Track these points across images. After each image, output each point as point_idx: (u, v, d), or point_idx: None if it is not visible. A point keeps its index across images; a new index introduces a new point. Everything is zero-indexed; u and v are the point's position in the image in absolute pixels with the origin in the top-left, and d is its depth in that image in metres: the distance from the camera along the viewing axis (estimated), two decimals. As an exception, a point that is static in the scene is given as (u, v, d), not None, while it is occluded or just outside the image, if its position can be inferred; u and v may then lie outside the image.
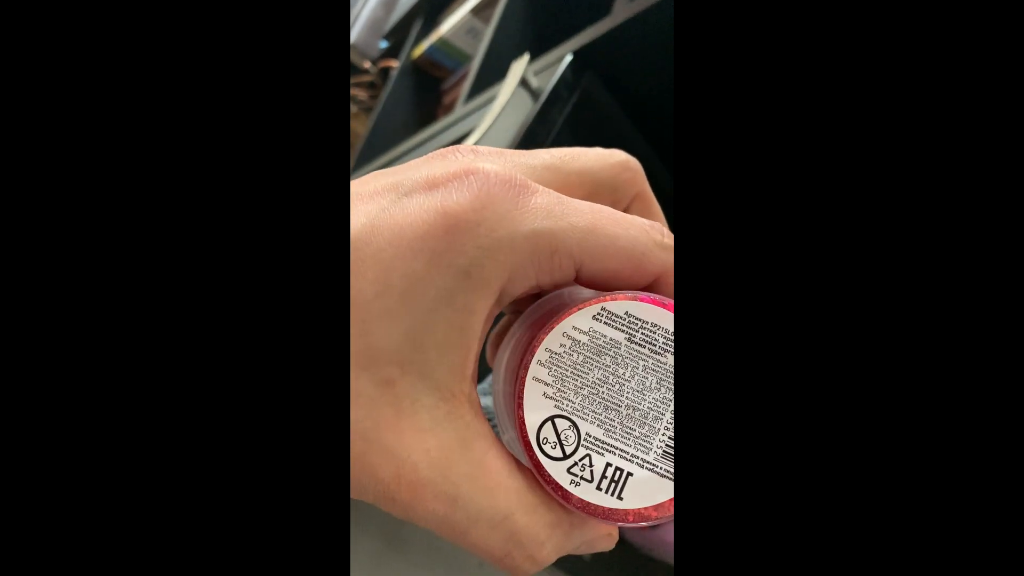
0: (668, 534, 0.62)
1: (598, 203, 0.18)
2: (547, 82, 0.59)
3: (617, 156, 0.21)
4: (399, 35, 1.35)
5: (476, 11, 1.11)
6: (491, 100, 0.72)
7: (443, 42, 1.17)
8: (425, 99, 1.26)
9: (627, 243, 0.18)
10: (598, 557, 0.63)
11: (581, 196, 0.19)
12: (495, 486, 0.16)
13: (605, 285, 0.19)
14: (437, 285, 0.16)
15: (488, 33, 0.90)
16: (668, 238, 0.19)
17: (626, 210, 0.21)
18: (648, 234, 0.18)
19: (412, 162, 0.18)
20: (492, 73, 0.86)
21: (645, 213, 0.21)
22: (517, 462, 0.17)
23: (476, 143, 0.56)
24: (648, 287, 0.19)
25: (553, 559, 0.17)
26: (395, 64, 1.29)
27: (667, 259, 0.19)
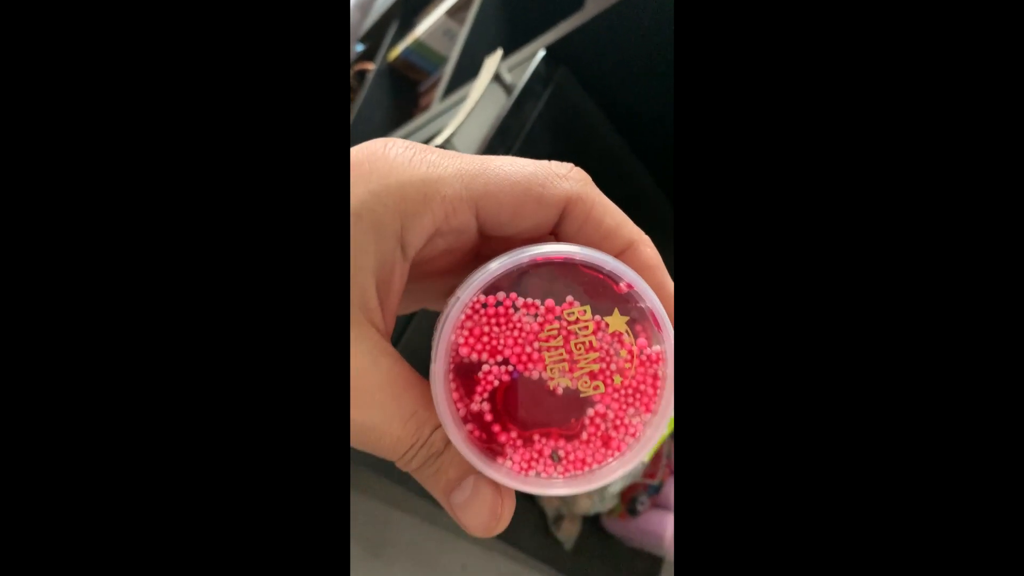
0: (649, 523, 0.62)
1: (523, 208, 0.19)
2: (520, 77, 0.59)
3: (550, 164, 0.20)
4: (375, 38, 1.35)
5: (451, 13, 1.11)
6: (466, 97, 0.72)
7: (419, 44, 1.17)
8: (402, 101, 1.26)
9: (521, 177, 0.19)
10: (580, 548, 0.63)
11: (508, 201, 0.19)
12: (401, 392, 0.18)
13: (512, 228, 0.20)
14: None
15: (463, 34, 0.90)
16: (573, 171, 0.20)
17: (561, 217, 0.20)
18: (545, 167, 0.19)
19: None
20: (467, 72, 0.86)
21: (586, 217, 0.20)
22: (416, 376, 0.19)
23: (450, 136, 0.56)
24: (562, 222, 0.20)
25: (445, 446, 0.19)
26: (371, 67, 1.28)
27: (570, 186, 0.19)
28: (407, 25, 1.25)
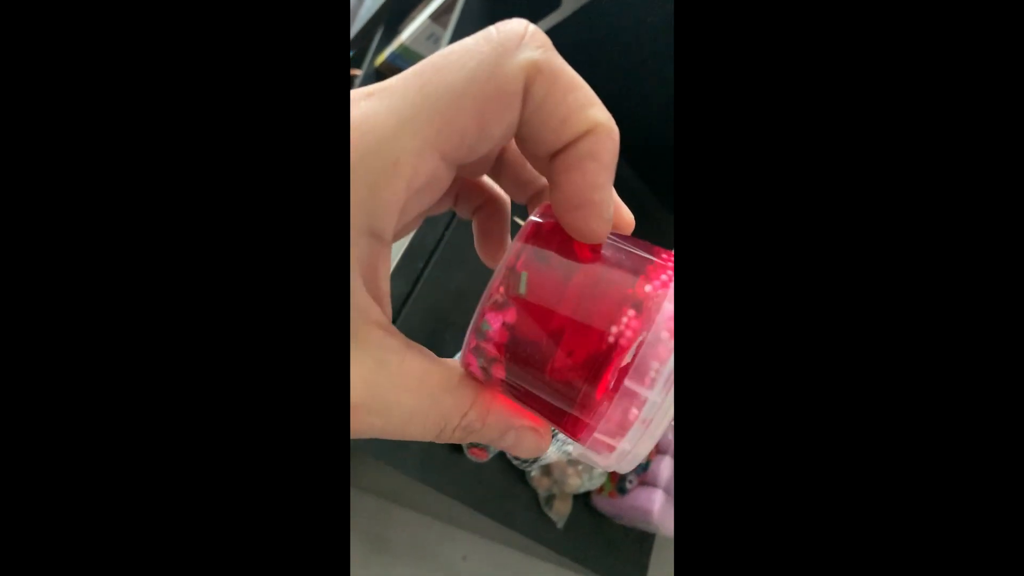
0: (637, 500, 0.64)
1: (487, 116, 0.16)
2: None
3: (496, 35, 0.17)
4: (361, 44, 1.37)
5: (435, 17, 1.13)
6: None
7: (404, 48, 1.19)
8: (389, 106, 1.28)
9: (470, 77, 0.16)
10: (571, 526, 0.65)
11: (470, 120, 0.16)
12: (418, 384, 0.18)
13: (485, 145, 0.17)
14: None
15: (446, 37, 0.93)
16: (529, 35, 0.17)
17: (526, 94, 0.17)
18: (492, 45, 0.16)
19: None
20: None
21: (547, 94, 0.17)
22: (426, 357, 0.18)
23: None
24: (523, 106, 0.17)
25: (484, 422, 0.19)
26: (358, 73, 1.30)
27: (527, 56, 0.16)
28: (392, 31, 1.27)
